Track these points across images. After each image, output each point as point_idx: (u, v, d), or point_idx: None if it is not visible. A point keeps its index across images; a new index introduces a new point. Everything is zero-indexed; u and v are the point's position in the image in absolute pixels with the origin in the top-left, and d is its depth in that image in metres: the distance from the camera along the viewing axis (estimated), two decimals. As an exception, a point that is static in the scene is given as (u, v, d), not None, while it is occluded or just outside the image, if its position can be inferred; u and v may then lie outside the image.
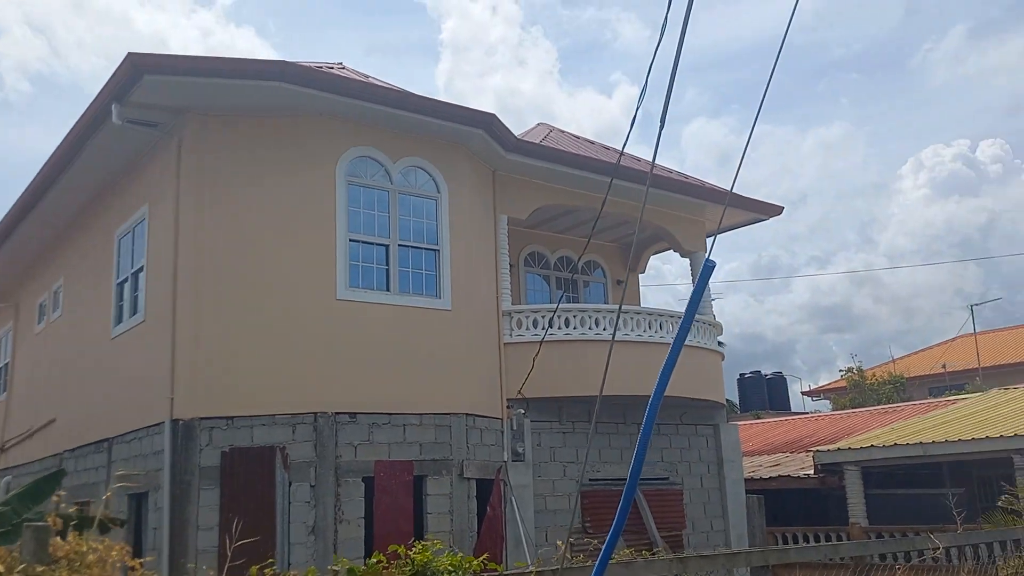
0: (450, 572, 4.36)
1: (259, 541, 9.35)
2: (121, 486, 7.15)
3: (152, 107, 11.12)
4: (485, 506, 12.14)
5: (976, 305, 41.19)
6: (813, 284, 75.73)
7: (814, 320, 75.32)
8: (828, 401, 39.48)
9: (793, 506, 18.39)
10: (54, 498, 4.18)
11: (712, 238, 11.19)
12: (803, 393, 41.77)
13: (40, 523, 3.87)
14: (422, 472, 11.45)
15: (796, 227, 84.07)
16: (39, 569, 3.73)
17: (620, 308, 4.55)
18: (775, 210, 17.28)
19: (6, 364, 18.63)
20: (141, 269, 12.28)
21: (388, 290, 11.82)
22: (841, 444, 18.35)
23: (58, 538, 4.04)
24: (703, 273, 3.17)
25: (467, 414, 12.12)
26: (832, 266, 75.59)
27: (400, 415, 11.47)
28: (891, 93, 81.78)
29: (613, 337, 4.04)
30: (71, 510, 5.78)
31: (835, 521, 17.36)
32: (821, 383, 42.75)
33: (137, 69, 10.25)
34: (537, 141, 14.80)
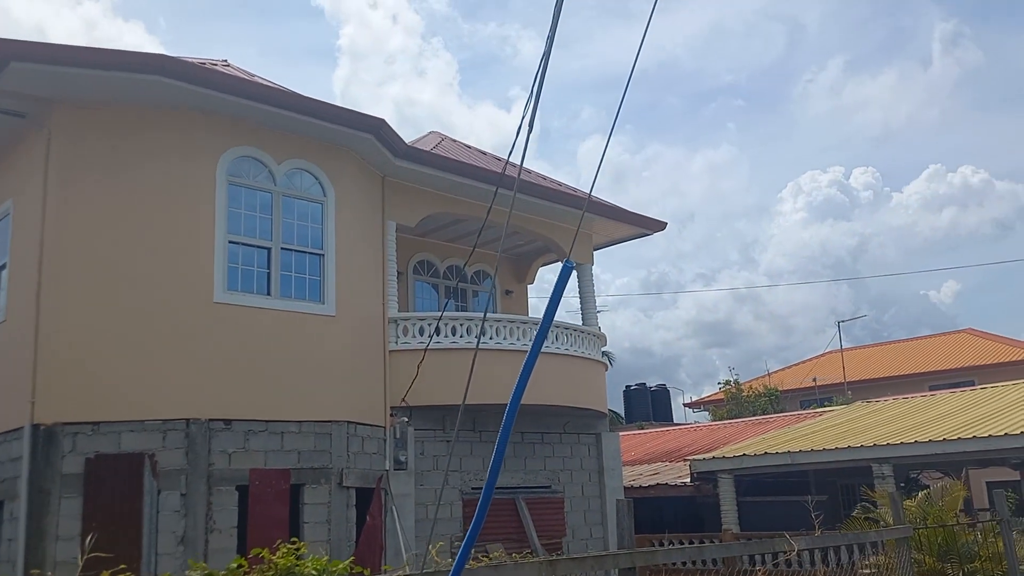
0: (316, 575, 4.30)
1: (123, 551, 8.95)
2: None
3: (20, 96, 10.55)
4: (365, 515, 11.98)
5: (843, 322, 43.64)
6: (699, 301, 78.49)
7: (699, 335, 78.05)
8: (708, 413, 40.87)
9: (670, 514, 18.93)
10: None
11: (601, 248, 11.45)
12: (685, 405, 43.14)
13: None
14: (300, 480, 11.21)
15: (684, 245, 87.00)
16: None
17: (484, 316, 4.61)
18: (658, 225, 17.80)
19: None
20: (3, 266, 11.60)
21: (269, 294, 11.55)
22: (716, 453, 19.03)
23: None
24: (561, 275, 3.24)
25: (349, 422, 11.96)
26: (716, 283, 78.59)
27: (278, 422, 11.20)
28: (774, 119, 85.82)
29: (477, 344, 4.10)
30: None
31: (710, 528, 17.96)
32: (703, 395, 44.25)
33: (3, 55, 9.70)
34: (428, 148, 14.80)
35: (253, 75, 12.60)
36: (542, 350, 13.14)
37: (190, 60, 11.22)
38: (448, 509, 13.34)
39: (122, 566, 4.00)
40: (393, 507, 12.52)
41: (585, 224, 16.71)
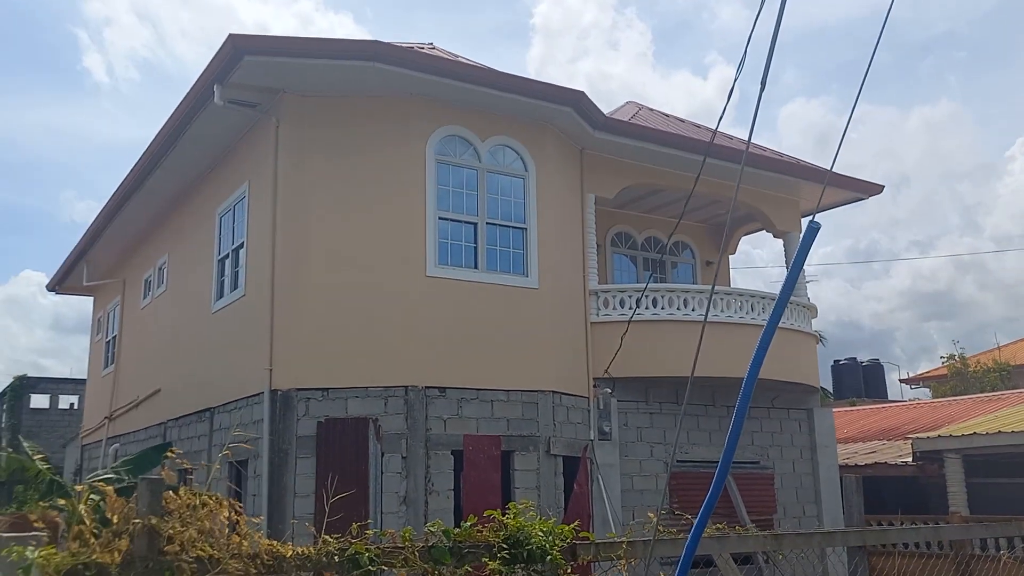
0: (543, 537, 4.40)
1: (353, 509, 9.63)
2: (226, 450, 7.48)
3: (251, 88, 11.47)
4: (572, 483, 12.18)
5: (1091, 291, 38.95)
6: (914, 270, 72.98)
7: (915, 307, 72.65)
8: (928, 389, 38.03)
9: (889, 495, 17.82)
10: (168, 454, 4.40)
11: (810, 217, 10.90)
12: (901, 381, 40.33)
13: (154, 476, 4.06)
14: (509, 447, 11.56)
15: (897, 211, 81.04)
16: (153, 520, 3.91)
17: (713, 288, 4.48)
18: (875, 189, 16.69)
19: (114, 337, 19.60)
20: (241, 246, 12.71)
21: (476, 267, 11.94)
22: (941, 431, 17.67)
23: (170, 492, 4.21)
24: (807, 235, 3.07)
25: (554, 392, 12.17)
26: (935, 251, 72.64)
27: (488, 391, 11.60)
28: (1001, 70, 77.69)
29: (705, 318, 3.99)
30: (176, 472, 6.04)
31: (934, 510, 16.74)
32: (921, 371, 41.22)
33: (238, 50, 10.58)
34: (626, 119, 14.65)
35: (457, 56, 12.99)
36: (749, 322, 12.62)
37: (400, 44, 11.72)
38: (653, 481, 13.29)
39: (354, 524, 4.28)
40: (599, 476, 12.63)
41: (792, 190, 15.96)
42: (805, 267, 16.38)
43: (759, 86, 3.52)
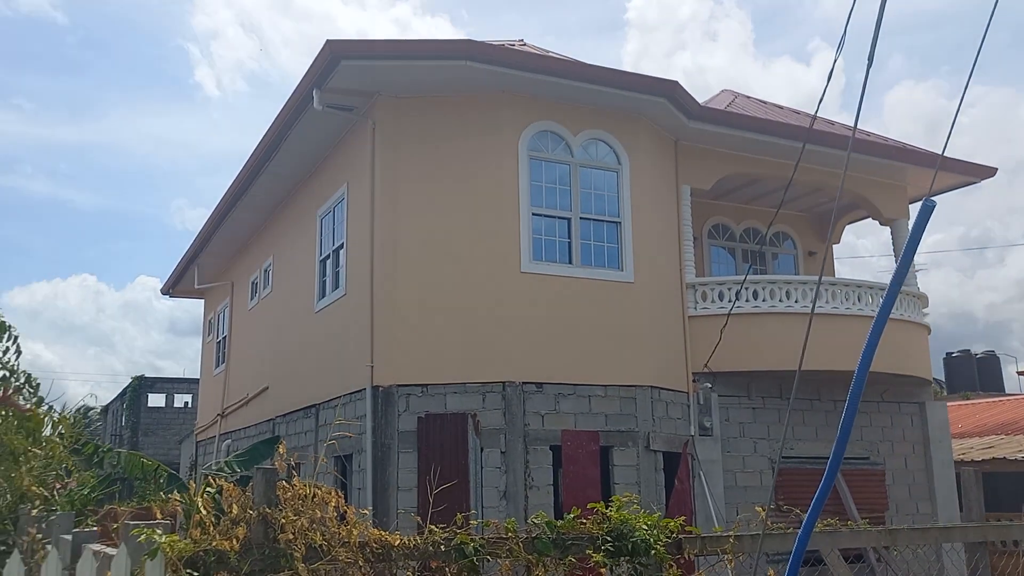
0: (647, 531, 4.36)
1: (454, 503, 9.75)
2: (331, 444, 7.70)
3: (348, 92, 11.75)
4: (672, 480, 12.03)
5: None
6: (1031, 257, 68.94)
7: (1032, 296, 68.63)
8: (1050, 382, 35.89)
9: (1008, 492, 16.92)
10: (280, 449, 4.57)
11: (919, 203, 10.44)
12: (1019, 373, 38.22)
13: (269, 467, 4.21)
14: (608, 443, 11.50)
15: (1014, 197, 76.77)
16: (267, 509, 4.06)
17: (820, 279, 4.34)
18: (987, 172, 15.86)
19: (224, 338, 20.42)
20: (341, 246, 13.05)
21: (570, 263, 11.91)
22: (1067, 427, 16.66)
23: (283, 483, 4.36)
24: (921, 214, 2.93)
25: (652, 387, 12.03)
26: (1054, 236, 68.48)
27: (585, 386, 11.56)
28: None
29: (812, 310, 3.87)
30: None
31: (1060, 510, 15.81)
32: (1041, 363, 38.94)
33: (335, 55, 10.85)
34: (721, 107, 14.35)
35: (548, 51, 12.98)
36: (856, 313, 12.18)
37: (491, 43, 11.80)
38: (758, 477, 12.98)
39: (458, 515, 4.33)
40: (701, 472, 12.43)
41: (899, 176, 15.32)
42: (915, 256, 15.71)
43: (865, 66, 3.39)
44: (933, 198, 3.01)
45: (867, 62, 3.24)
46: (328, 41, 10.81)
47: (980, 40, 3.30)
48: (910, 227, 3.01)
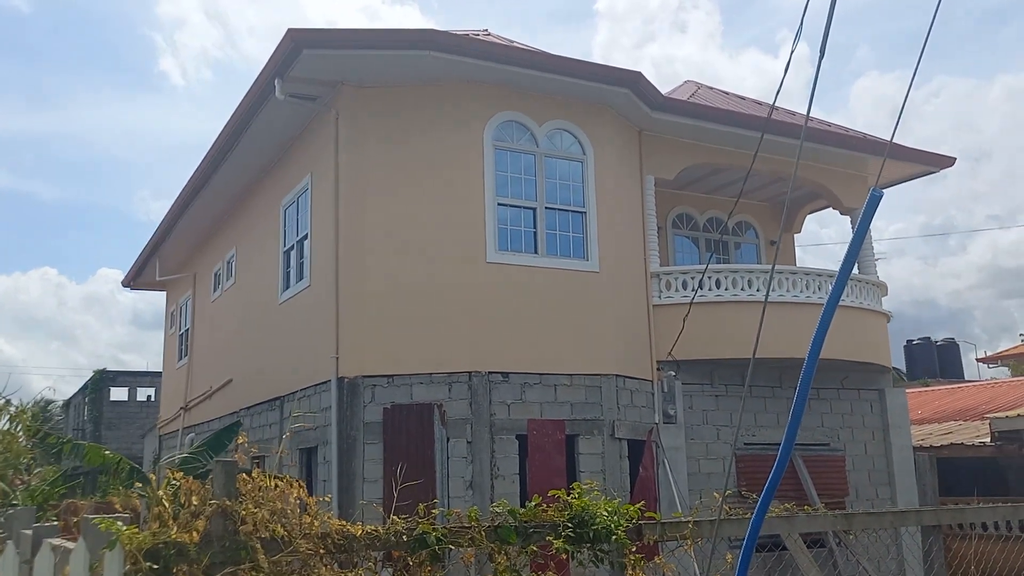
0: (608, 517, 4.41)
1: (420, 493, 9.75)
2: (296, 433, 7.67)
3: (311, 81, 11.64)
4: (637, 467, 12.14)
5: None
6: (995, 245, 70.43)
7: (995, 284, 70.22)
8: (1007, 369, 36.79)
9: (965, 477, 17.30)
10: (240, 439, 4.54)
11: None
12: (979, 360, 39.12)
13: (228, 459, 4.19)
14: (574, 431, 11.57)
15: (976, 184, 78.22)
16: (227, 502, 4.04)
17: (773, 268, 4.40)
18: (945, 161, 16.15)
19: (187, 330, 20.19)
20: (306, 237, 12.95)
21: (536, 253, 11.94)
22: (1021, 410, 17.07)
23: (243, 474, 4.34)
24: (868, 204, 2.99)
25: (617, 375, 12.12)
26: (1016, 224, 69.97)
27: (551, 375, 11.62)
28: (1080, 32, 74.09)
29: (766, 298, 3.90)
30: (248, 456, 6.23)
31: (1014, 492, 16.19)
32: (1000, 350, 39.86)
33: (297, 44, 10.75)
34: (684, 98, 14.45)
35: (512, 41, 12.98)
36: (816, 301, 12.36)
37: (456, 32, 11.77)
38: (720, 464, 13.15)
39: (420, 505, 4.34)
40: (665, 460, 12.57)
41: (859, 165, 15.55)
42: (874, 244, 15.99)
43: (820, 57, 3.44)
44: (883, 189, 3.07)
45: (819, 54, 3.29)
46: (290, 30, 10.71)
47: (927, 28, 3.36)
48: (872, 189, 3.05)
